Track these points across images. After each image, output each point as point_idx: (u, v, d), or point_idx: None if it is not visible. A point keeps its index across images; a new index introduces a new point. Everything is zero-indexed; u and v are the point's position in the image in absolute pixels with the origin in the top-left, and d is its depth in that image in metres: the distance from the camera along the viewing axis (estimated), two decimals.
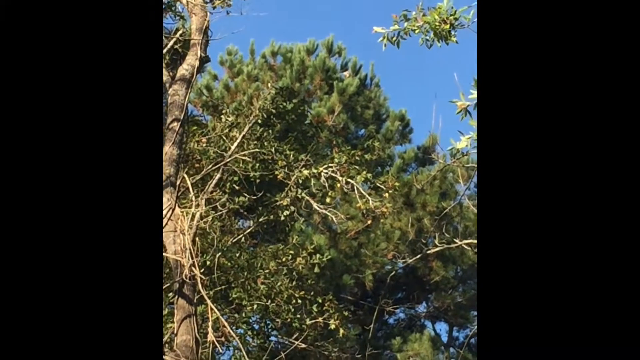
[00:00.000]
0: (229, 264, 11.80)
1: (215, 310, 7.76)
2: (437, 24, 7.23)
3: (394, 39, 7.48)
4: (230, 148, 11.23)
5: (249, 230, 12.27)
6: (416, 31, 7.38)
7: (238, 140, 10.50)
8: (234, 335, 9.27)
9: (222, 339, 10.94)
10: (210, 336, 7.63)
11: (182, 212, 8.03)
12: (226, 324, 8.48)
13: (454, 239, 13.11)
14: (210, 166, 9.90)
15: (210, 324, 7.73)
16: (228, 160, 9.98)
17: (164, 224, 7.99)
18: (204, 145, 12.09)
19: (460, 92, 6.98)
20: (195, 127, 12.87)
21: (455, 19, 7.22)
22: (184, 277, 7.78)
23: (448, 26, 7.22)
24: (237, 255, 12.18)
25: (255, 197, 11.91)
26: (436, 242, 13.48)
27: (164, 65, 9.88)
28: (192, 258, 7.61)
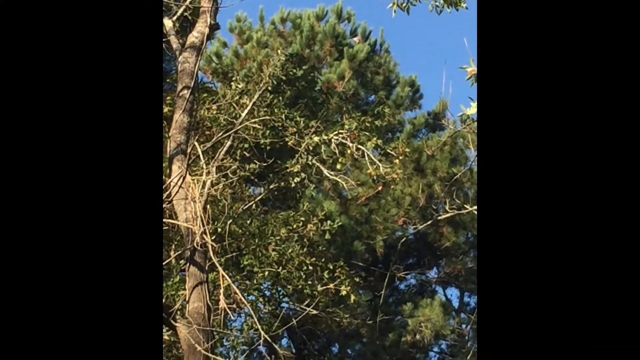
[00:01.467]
0: (240, 231, 11.83)
1: (227, 277, 7.79)
2: None
3: (404, 5, 7.45)
4: (240, 115, 11.22)
5: (260, 197, 12.29)
6: None
7: (248, 107, 10.48)
8: (245, 302, 9.29)
9: (234, 306, 10.98)
10: (222, 303, 7.66)
11: (193, 179, 8.04)
12: (237, 290, 8.50)
13: (465, 205, 13.13)
14: (220, 134, 9.88)
15: (222, 291, 7.76)
16: (239, 127, 9.97)
17: (175, 192, 8.01)
18: (215, 112, 12.07)
19: (470, 58, 6.96)
20: (205, 95, 12.85)
21: None
22: (195, 244, 7.81)
23: None
24: (248, 222, 12.20)
25: (265, 164, 11.91)
26: (447, 207, 13.49)
27: (174, 33, 9.85)
28: (204, 225, 7.62)
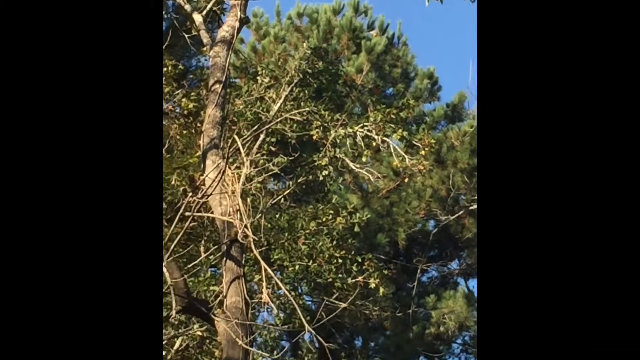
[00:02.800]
0: (269, 225, 11.81)
1: (270, 271, 7.78)
2: None
3: None
4: (267, 109, 11.22)
5: (288, 190, 12.28)
6: None
7: (281, 100, 10.47)
8: (289, 295, 9.30)
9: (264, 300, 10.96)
10: (265, 297, 7.65)
11: (233, 174, 8.03)
12: (281, 284, 8.51)
13: None
14: (255, 127, 9.87)
15: (264, 284, 7.75)
16: (276, 120, 9.97)
17: (214, 187, 7.99)
18: (241, 107, 12.08)
19: None
20: (229, 90, 12.83)
21: None
22: (237, 238, 7.81)
23: None
24: (277, 216, 12.19)
25: (292, 158, 11.91)
26: (472, 199, 13.46)
27: (204, 27, 9.88)
28: (246, 219, 7.61)
